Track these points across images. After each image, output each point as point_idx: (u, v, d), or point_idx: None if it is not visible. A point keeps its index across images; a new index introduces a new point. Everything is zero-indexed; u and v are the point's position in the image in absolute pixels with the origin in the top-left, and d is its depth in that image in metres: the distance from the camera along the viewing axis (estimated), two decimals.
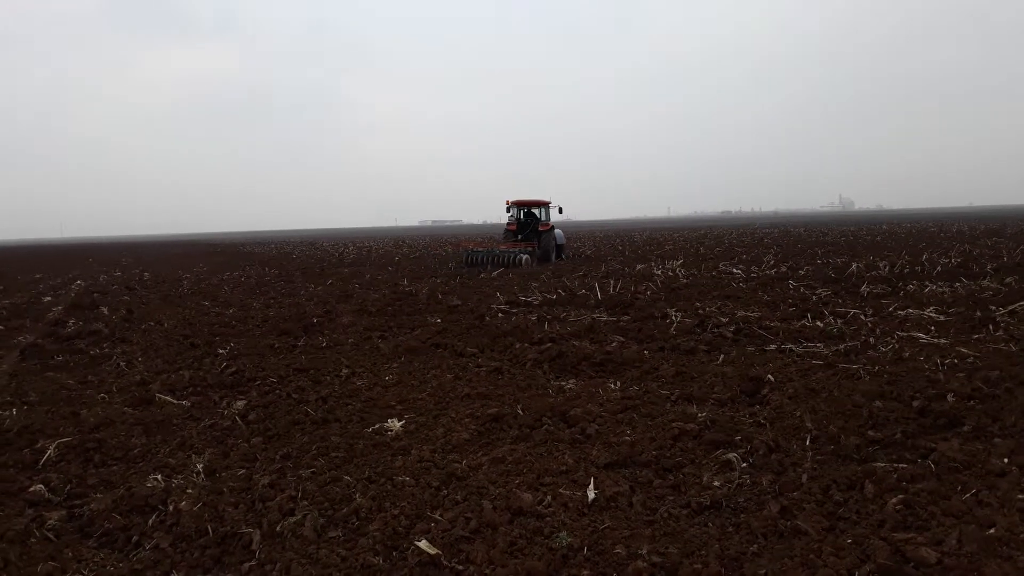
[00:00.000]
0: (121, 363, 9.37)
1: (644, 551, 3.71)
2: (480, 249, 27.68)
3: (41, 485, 4.96)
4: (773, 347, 8.56)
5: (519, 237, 28.45)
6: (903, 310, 10.76)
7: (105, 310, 15.16)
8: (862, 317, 10.33)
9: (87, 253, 64.18)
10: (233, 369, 8.50)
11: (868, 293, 13.13)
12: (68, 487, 4.99)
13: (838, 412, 5.71)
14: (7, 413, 6.94)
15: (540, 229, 28.47)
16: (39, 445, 5.86)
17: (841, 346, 8.34)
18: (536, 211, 29.52)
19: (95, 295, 19.13)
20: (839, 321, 10.09)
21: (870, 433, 5.19)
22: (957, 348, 7.76)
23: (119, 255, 56.30)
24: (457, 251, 29.66)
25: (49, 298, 19.27)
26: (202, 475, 5.08)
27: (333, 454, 5.40)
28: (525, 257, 25.74)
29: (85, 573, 3.83)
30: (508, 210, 29.54)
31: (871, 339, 8.65)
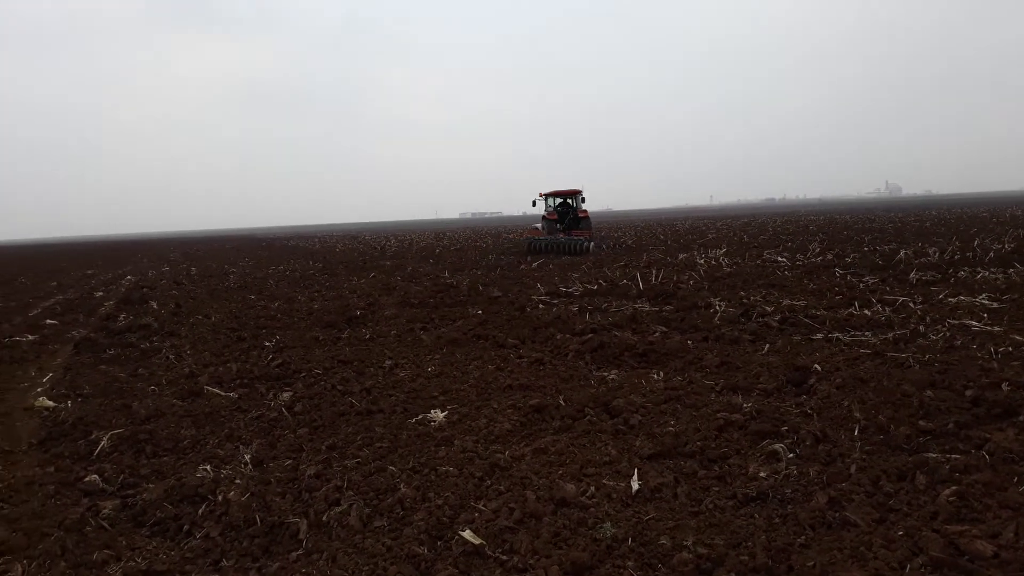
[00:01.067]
0: (170, 356, 9.57)
1: (689, 542, 3.68)
2: (544, 237, 28.05)
3: (96, 475, 5.10)
4: (820, 336, 8.41)
5: (559, 226, 28.71)
6: (954, 297, 10.50)
7: (154, 305, 15.50)
8: (911, 305, 10.11)
9: (136, 249, 65.64)
10: (279, 361, 8.62)
11: (917, 280, 12.84)
12: (121, 477, 5.11)
13: (887, 402, 5.59)
14: (63, 405, 7.14)
15: (580, 216, 28.84)
16: (93, 436, 6.01)
17: (890, 334, 8.17)
18: (570, 200, 29.97)
19: (144, 290, 19.57)
20: (887, 309, 9.88)
21: (921, 423, 5.07)
22: (1011, 336, 7.56)
23: (167, 251, 57.48)
24: (521, 238, 30.40)
25: (101, 293, 19.78)
26: (250, 466, 5.17)
27: (377, 444, 5.45)
28: (592, 244, 26.40)
29: (138, 561, 3.91)
30: (534, 203, 30.17)
31: (921, 327, 8.45)
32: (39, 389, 8.04)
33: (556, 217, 29.39)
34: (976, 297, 10.29)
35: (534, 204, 30.40)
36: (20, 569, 3.78)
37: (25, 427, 6.60)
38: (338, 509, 4.30)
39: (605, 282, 15.34)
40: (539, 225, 30.57)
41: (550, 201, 30.28)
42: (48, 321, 13.65)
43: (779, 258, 19.39)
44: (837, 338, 8.23)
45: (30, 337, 11.67)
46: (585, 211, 29.77)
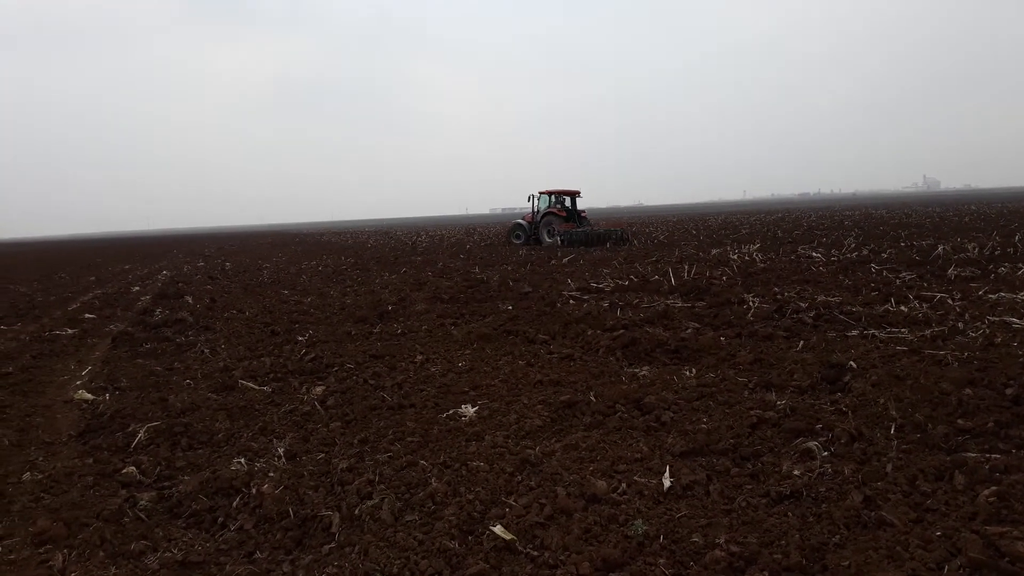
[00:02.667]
0: (205, 350, 9.69)
1: (722, 540, 3.65)
2: (580, 230, 29.82)
3: (133, 467, 5.17)
4: (855, 333, 8.29)
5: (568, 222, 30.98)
6: (994, 294, 10.29)
7: (190, 299, 15.71)
8: (949, 301, 9.92)
9: (172, 244, 66.60)
10: (312, 356, 8.70)
11: (956, 276, 12.60)
12: (158, 469, 5.19)
13: (925, 400, 5.49)
14: (101, 398, 7.27)
15: (581, 215, 31.60)
16: (130, 429, 6.11)
17: (927, 331, 8.02)
18: (566, 199, 32.07)
19: (180, 285, 19.84)
20: (925, 306, 9.71)
21: (959, 422, 4.98)
22: None
23: (202, 246, 58.25)
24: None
25: (137, 288, 20.10)
26: (283, 459, 5.22)
27: (409, 439, 5.47)
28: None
29: (174, 552, 3.97)
30: (530, 198, 32.03)
31: (959, 324, 8.30)
32: (78, 382, 8.19)
33: (566, 214, 31.02)
34: (1017, 294, 10.08)
35: (529, 200, 32.03)
36: (61, 558, 3.86)
37: (65, 419, 6.73)
38: (370, 503, 4.33)
39: (636, 278, 15.26)
40: (521, 221, 32.50)
41: (552, 199, 31.92)
42: (87, 315, 13.92)
43: (814, 253, 19.13)
44: (873, 335, 8.10)
45: (70, 331, 11.90)
46: (583, 210, 31.87)
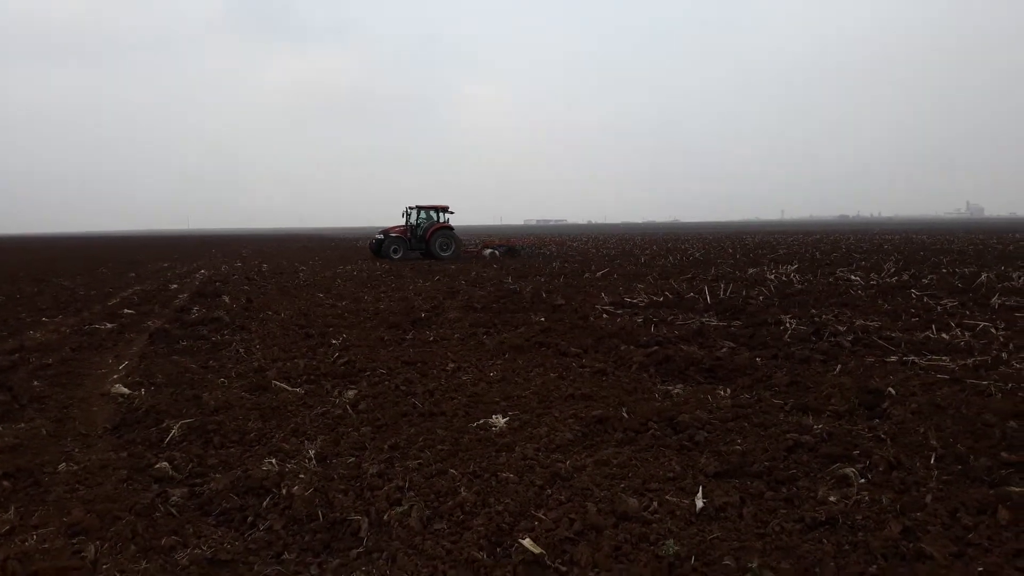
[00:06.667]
0: (240, 350, 9.79)
1: (755, 564, 3.57)
2: (507, 247, 35.42)
3: (166, 463, 5.23)
4: (894, 359, 8.12)
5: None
6: None
7: (226, 299, 15.89)
8: (993, 330, 9.70)
9: (211, 244, 67.56)
10: (345, 359, 8.74)
11: (1000, 305, 12.30)
12: (190, 466, 5.23)
13: (966, 431, 5.36)
14: (137, 393, 7.37)
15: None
16: (164, 425, 6.17)
17: (969, 360, 7.84)
18: (434, 213, 34.10)
19: (217, 284, 20.12)
20: (967, 334, 9.50)
21: (1003, 455, 4.83)
22: None
23: (240, 247, 59.01)
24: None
25: (176, 286, 20.40)
26: (314, 461, 5.24)
27: (439, 447, 5.46)
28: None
29: (204, 549, 3.99)
30: (403, 213, 33.68)
31: (1003, 354, 8.09)
32: (115, 376, 8.31)
33: (451, 228, 33.65)
34: None
35: (403, 214, 33.56)
36: (93, 550, 3.89)
37: (101, 412, 6.83)
38: (399, 509, 4.32)
39: (671, 294, 15.15)
40: (393, 235, 33.32)
41: (428, 214, 33.72)
42: (126, 311, 14.15)
43: (852, 276, 18.82)
44: (913, 361, 7.93)
45: (109, 325, 12.10)
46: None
